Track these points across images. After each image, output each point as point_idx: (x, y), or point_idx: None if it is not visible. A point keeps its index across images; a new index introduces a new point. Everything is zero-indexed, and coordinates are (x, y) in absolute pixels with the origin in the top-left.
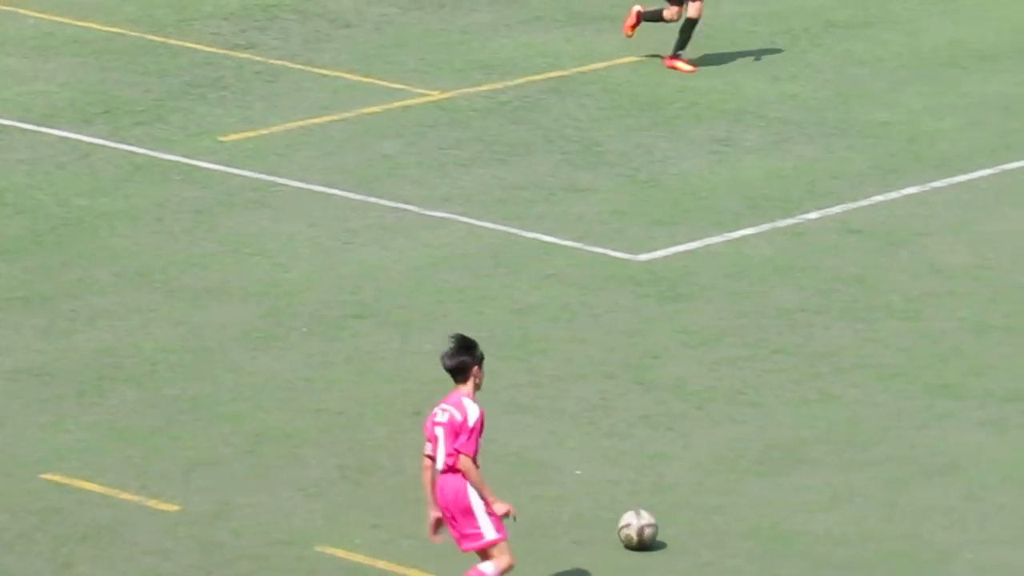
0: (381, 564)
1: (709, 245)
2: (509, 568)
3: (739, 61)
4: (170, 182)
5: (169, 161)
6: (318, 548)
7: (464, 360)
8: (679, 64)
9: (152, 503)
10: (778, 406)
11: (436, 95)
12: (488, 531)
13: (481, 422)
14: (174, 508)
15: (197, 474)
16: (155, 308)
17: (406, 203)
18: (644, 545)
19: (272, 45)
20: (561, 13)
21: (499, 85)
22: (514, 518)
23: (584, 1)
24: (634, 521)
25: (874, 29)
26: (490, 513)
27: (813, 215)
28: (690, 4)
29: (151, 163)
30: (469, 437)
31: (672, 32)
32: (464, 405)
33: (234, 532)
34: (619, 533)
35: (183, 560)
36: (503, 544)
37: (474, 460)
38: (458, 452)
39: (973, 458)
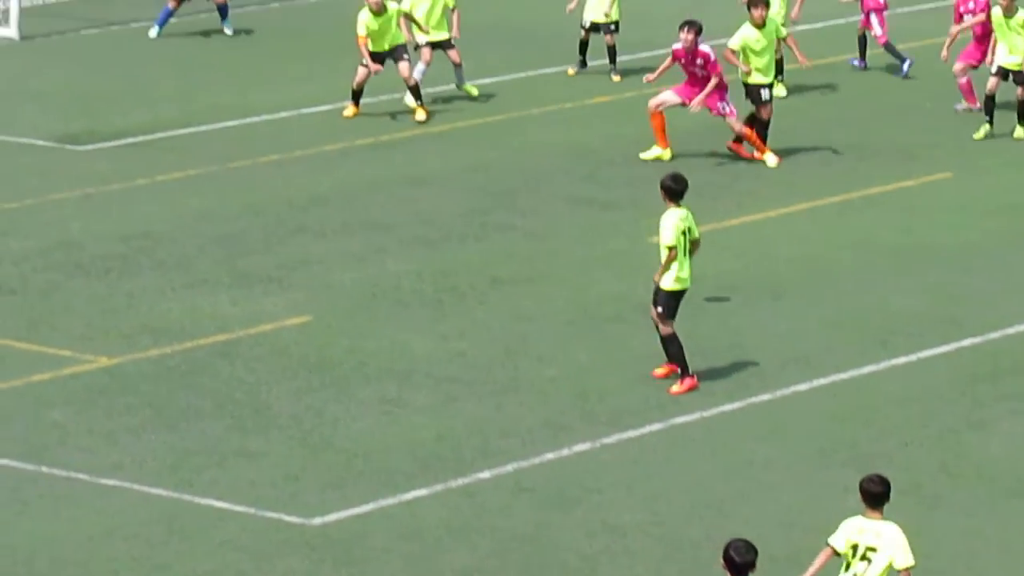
0: None
1: (382, 507)
2: None
3: (406, 320)
4: None
5: None
6: None
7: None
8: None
9: None
10: None
11: (104, 361)
12: None
13: None
14: None
15: None
16: None
17: (77, 471)
18: None
19: None
20: (227, 275)
21: (167, 350)
22: None
23: (249, 262)
24: None
25: (539, 285)
26: None
27: (485, 474)
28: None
29: None
30: None
31: None
32: None
33: None
34: None
35: None
36: None
37: None
38: None
39: None
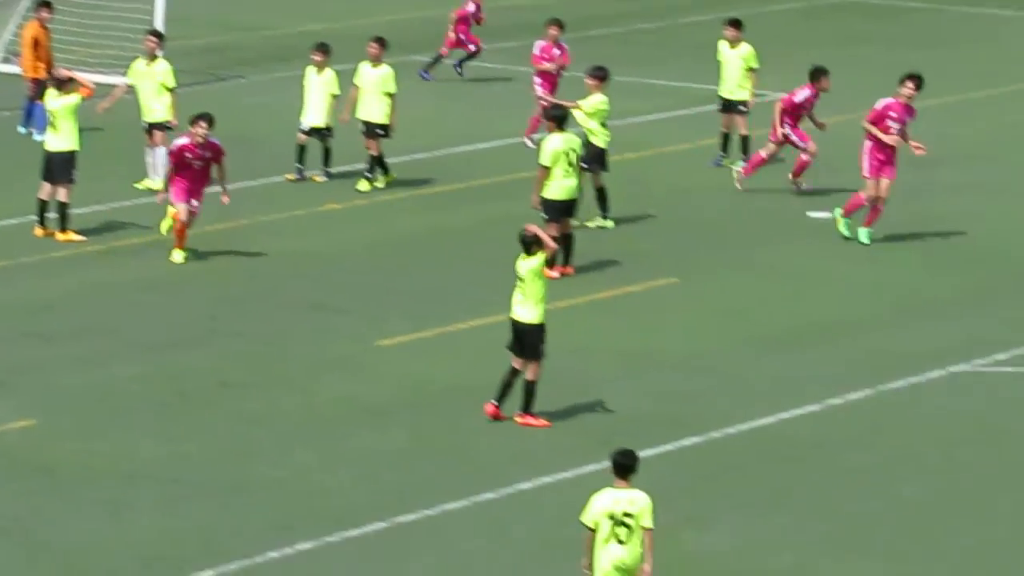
0: None
1: None
2: None
3: (132, 423)
4: None
5: None
6: None
7: None
8: None
9: None
10: None
11: None
12: None
13: None
14: None
15: None
16: None
17: None
18: None
19: None
20: None
21: None
22: None
23: None
24: None
25: (267, 388)
26: None
27: (208, 573)
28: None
29: None
30: None
31: None
32: None
33: None
34: None
35: None
36: None
37: None
38: None
39: None
